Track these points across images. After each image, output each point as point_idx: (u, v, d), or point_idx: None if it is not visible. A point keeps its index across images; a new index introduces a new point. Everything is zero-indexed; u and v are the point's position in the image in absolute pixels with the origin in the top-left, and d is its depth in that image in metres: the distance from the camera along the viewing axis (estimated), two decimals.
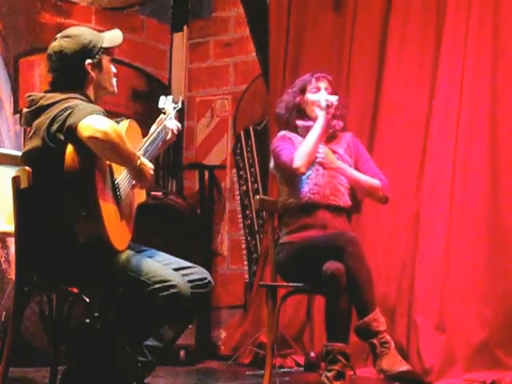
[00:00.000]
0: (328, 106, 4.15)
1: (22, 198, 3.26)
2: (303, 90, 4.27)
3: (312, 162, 4.13)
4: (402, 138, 5.12)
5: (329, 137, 4.28)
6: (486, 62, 4.88)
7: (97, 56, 3.31)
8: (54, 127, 3.09)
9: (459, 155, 4.87)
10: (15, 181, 3.26)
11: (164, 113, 3.68)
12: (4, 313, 4.71)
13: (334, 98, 4.18)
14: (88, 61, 3.29)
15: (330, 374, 3.78)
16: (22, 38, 5.42)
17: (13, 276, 4.84)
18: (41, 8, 5.51)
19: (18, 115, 5.35)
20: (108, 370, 3.17)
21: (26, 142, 3.26)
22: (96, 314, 3.22)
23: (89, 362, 3.21)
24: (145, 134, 3.54)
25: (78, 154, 3.05)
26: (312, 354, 5.00)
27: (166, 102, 3.75)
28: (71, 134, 3.04)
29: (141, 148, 3.36)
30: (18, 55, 5.42)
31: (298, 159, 4.08)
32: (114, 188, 3.20)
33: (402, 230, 5.03)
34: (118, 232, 3.17)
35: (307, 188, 4.15)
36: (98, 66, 3.32)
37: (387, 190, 4.25)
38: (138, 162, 3.17)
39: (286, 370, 5.14)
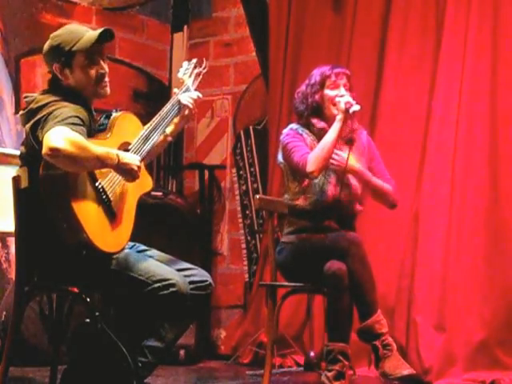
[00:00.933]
0: (347, 110, 3.99)
1: (22, 197, 3.26)
2: (322, 85, 4.12)
3: (326, 167, 4.02)
4: (401, 137, 5.12)
5: (348, 140, 4.11)
6: (486, 60, 4.88)
7: (62, 59, 3.24)
8: (39, 134, 3.08)
9: (459, 155, 4.87)
10: (15, 180, 3.27)
11: (182, 82, 3.58)
12: (4, 312, 4.71)
13: (356, 107, 4.00)
14: (55, 65, 3.25)
15: (330, 374, 3.77)
16: (23, 38, 5.43)
17: (13, 275, 4.85)
18: (42, 8, 5.52)
19: (19, 115, 5.36)
20: (108, 369, 3.18)
21: (21, 144, 3.28)
22: (96, 314, 3.23)
23: (89, 362, 3.21)
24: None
25: (50, 165, 3.02)
26: (312, 354, 5.00)
27: (186, 71, 3.61)
28: None
29: (141, 136, 3.30)
30: (19, 55, 5.42)
31: (313, 163, 3.95)
32: (99, 192, 3.13)
33: (401, 230, 5.03)
34: (108, 235, 3.14)
35: (316, 196, 4.07)
36: (67, 68, 3.25)
37: (397, 196, 4.20)
38: (117, 161, 3.08)
39: (285, 369, 5.14)
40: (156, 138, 3.37)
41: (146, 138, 3.32)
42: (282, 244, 4.16)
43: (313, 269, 3.89)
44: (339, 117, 4.01)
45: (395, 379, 3.79)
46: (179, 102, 3.52)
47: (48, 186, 3.06)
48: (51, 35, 3.31)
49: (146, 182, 3.38)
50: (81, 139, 2.99)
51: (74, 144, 2.95)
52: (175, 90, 3.59)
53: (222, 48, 6.23)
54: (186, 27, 6.35)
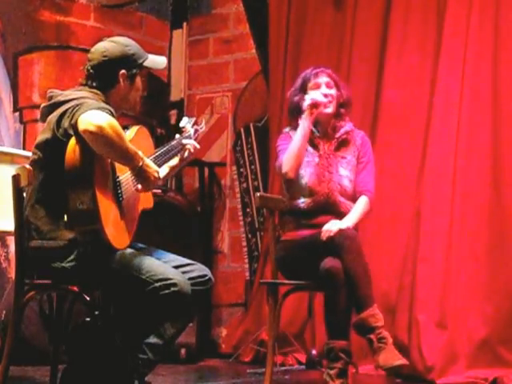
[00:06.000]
0: (311, 106, 4.07)
1: (22, 196, 3.26)
2: (304, 89, 4.20)
3: (300, 165, 4.09)
4: (403, 134, 5.11)
5: (339, 143, 4.19)
6: (487, 57, 4.87)
7: (133, 70, 3.36)
8: (66, 122, 3.11)
9: (460, 151, 4.87)
10: (15, 179, 3.26)
11: (183, 131, 3.70)
12: (4, 311, 4.70)
13: (319, 96, 4.10)
14: (123, 71, 3.33)
15: (332, 372, 3.77)
16: (21, 36, 5.42)
17: (13, 275, 4.84)
18: (40, 6, 5.51)
19: (17, 113, 5.35)
20: (108, 368, 3.17)
21: (39, 134, 3.28)
22: (96, 313, 3.22)
23: (89, 361, 3.20)
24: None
25: (78, 148, 3.06)
26: (313, 352, 4.99)
27: (187, 123, 3.76)
28: (75, 128, 3.07)
29: (152, 155, 3.37)
30: (17, 53, 5.42)
31: (285, 164, 4.07)
32: (116, 186, 3.19)
33: (403, 227, 5.03)
34: (117, 230, 3.15)
35: (306, 196, 4.09)
36: (130, 79, 3.37)
37: (372, 203, 4.19)
38: (141, 163, 3.15)
39: (287, 367, 5.14)
40: (164, 162, 3.51)
41: (155, 161, 3.38)
42: (281, 242, 4.18)
43: (310, 266, 3.89)
44: (304, 115, 4.09)
45: (388, 370, 3.79)
46: (183, 144, 3.64)
47: (75, 167, 3.07)
48: (118, 41, 3.40)
49: (149, 200, 3.48)
50: (119, 126, 3.07)
51: (113, 128, 3.03)
52: (177, 135, 3.69)
53: (222, 45, 6.21)
54: (185, 24, 6.34)
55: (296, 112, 4.19)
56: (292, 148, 4.08)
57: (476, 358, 4.67)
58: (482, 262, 4.76)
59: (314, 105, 4.08)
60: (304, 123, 4.09)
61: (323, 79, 4.20)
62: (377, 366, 3.80)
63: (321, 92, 4.14)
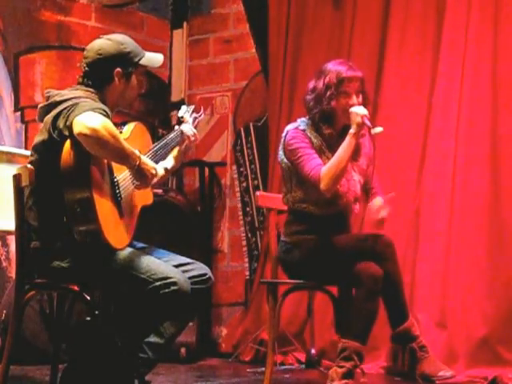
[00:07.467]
0: (362, 125, 3.83)
1: (23, 195, 3.27)
2: (339, 90, 3.90)
3: (339, 182, 3.89)
4: (402, 133, 5.11)
5: (355, 150, 3.97)
6: (487, 55, 4.86)
7: (129, 68, 3.36)
8: (61, 123, 3.12)
9: (460, 151, 4.87)
10: (16, 178, 3.27)
11: (182, 121, 3.69)
12: (4, 311, 4.71)
13: (378, 129, 3.88)
14: (118, 69, 3.33)
15: (339, 371, 3.74)
16: (22, 36, 5.42)
17: (13, 274, 4.85)
18: (41, 6, 5.51)
19: (18, 113, 5.36)
20: (108, 367, 3.17)
21: (36, 135, 3.29)
22: (96, 313, 3.22)
23: (89, 360, 3.21)
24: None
25: (74, 149, 3.07)
26: (313, 351, 4.99)
27: (186, 112, 3.75)
28: (70, 129, 3.07)
29: (149, 150, 3.38)
30: (18, 53, 5.42)
31: (327, 182, 3.81)
32: (114, 186, 3.20)
33: (402, 226, 5.02)
34: (116, 230, 3.17)
35: (323, 206, 3.95)
36: (126, 77, 3.36)
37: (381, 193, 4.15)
38: (138, 162, 3.15)
39: (286, 367, 5.14)
40: (164, 155, 3.50)
41: (155, 154, 3.40)
42: (288, 243, 4.03)
43: (339, 268, 3.85)
44: (353, 131, 3.84)
45: (437, 381, 3.82)
46: (182, 132, 3.62)
47: (71, 168, 3.08)
48: (114, 38, 3.40)
49: (148, 196, 3.47)
50: (113, 127, 3.07)
51: (108, 130, 3.02)
52: (176, 126, 3.69)
53: (222, 45, 6.21)
54: (185, 24, 6.34)
55: (328, 115, 3.96)
56: (336, 166, 3.81)
57: (475, 357, 4.66)
58: (482, 262, 4.76)
59: (364, 124, 3.84)
60: (352, 141, 3.83)
61: (354, 86, 3.93)
62: (421, 375, 3.84)
63: (353, 103, 3.90)
